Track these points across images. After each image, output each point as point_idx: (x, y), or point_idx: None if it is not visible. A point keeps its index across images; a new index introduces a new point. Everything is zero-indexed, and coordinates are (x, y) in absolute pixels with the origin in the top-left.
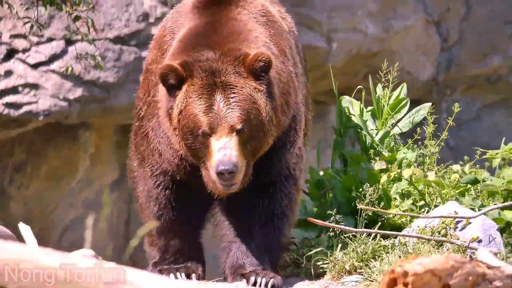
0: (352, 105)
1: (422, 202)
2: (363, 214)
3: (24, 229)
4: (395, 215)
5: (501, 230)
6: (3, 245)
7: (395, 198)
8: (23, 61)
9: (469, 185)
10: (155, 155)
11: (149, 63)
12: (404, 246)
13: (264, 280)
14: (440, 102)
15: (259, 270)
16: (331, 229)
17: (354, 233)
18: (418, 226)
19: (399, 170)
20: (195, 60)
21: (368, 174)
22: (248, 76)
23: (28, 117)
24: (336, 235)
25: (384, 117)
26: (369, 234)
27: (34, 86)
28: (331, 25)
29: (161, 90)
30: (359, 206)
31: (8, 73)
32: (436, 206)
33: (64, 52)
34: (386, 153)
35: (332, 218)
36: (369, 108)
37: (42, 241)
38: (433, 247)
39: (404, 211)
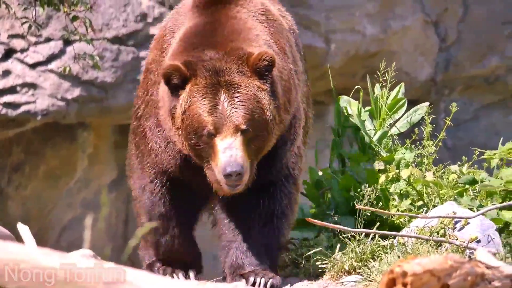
0: (350, 105)
1: (420, 203)
2: (362, 214)
3: (23, 229)
4: (394, 215)
5: (500, 230)
6: (2, 245)
7: (393, 199)
8: (21, 61)
9: (467, 186)
10: (152, 154)
11: (149, 62)
12: (403, 246)
13: (263, 280)
14: (438, 102)
15: (258, 270)
16: (330, 229)
17: (353, 233)
18: (417, 226)
19: (397, 171)
20: (198, 60)
21: (367, 174)
22: (252, 75)
23: (26, 117)
24: (335, 235)
25: (382, 117)
26: (368, 234)
27: (32, 86)
28: (329, 25)
29: (163, 90)
30: (358, 206)
31: (6, 73)
32: (434, 206)
33: (62, 52)
34: (384, 153)
35: (330, 219)
36: (367, 108)
37: (41, 241)
38: (432, 247)
39: (402, 211)
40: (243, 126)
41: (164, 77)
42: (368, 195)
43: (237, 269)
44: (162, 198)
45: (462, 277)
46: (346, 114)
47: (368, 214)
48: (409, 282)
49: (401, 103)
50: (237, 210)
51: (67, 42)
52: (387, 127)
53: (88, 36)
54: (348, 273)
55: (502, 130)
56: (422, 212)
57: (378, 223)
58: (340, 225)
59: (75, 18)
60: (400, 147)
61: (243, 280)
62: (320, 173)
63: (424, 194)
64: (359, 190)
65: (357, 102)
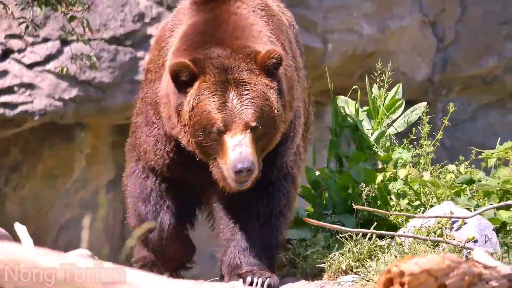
0: (347, 105)
1: (417, 202)
2: (359, 214)
3: (20, 229)
4: (391, 215)
5: (497, 230)
6: (0, 245)
7: (390, 198)
8: (19, 61)
9: (464, 185)
10: (141, 150)
11: (148, 62)
12: (400, 246)
13: (260, 280)
14: (436, 102)
15: (256, 270)
16: (327, 229)
17: (350, 233)
18: (414, 226)
19: (394, 170)
20: (206, 57)
21: (365, 174)
22: (260, 73)
23: (24, 117)
24: (332, 235)
25: (380, 117)
26: (365, 234)
27: (30, 86)
28: (327, 25)
29: (169, 87)
30: (355, 206)
31: (4, 73)
32: (431, 206)
33: (59, 52)
34: (381, 153)
35: (328, 218)
36: (365, 108)
37: (38, 241)
38: (429, 247)
39: (399, 211)
40: (253, 124)
41: (172, 74)
42: (365, 195)
43: (234, 268)
44: (150, 194)
45: (460, 277)
46: (343, 114)
47: (366, 214)
48: (406, 282)
49: (398, 103)
50: (236, 209)
51: (65, 42)
52: (385, 127)
53: (85, 36)
54: (345, 272)
55: (499, 130)
56: (419, 211)
57: (375, 223)
58: (337, 224)
59: (72, 18)
60: (398, 146)
61: (241, 280)
62: (318, 173)
63: (422, 194)
64: (356, 189)
65: (355, 102)
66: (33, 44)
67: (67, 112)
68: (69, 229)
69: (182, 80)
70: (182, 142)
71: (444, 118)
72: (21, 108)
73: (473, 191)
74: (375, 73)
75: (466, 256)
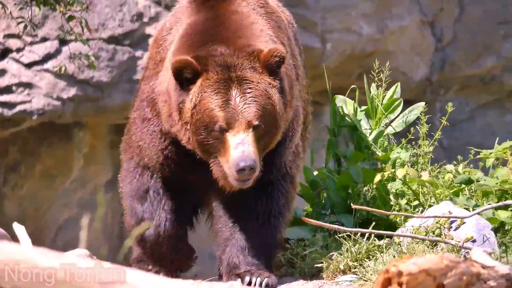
0: (346, 105)
1: (416, 202)
2: (357, 214)
3: (19, 229)
4: (389, 215)
5: (495, 230)
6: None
7: (389, 198)
8: (17, 61)
9: (463, 185)
10: (135, 147)
11: (146, 61)
12: (399, 246)
13: (258, 279)
14: (434, 102)
15: (254, 270)
16: (326, 229)
17: (349, 233)
18: (412, 226)
19: (393, 170)
20: (208, 55)
21: (364, 174)
22: (263, 72)
23: (22, 116)
24: (330, 235)
25: (378, 116)
26: (363, 234)
27: (28, 86)
28: (326, 25)
29: (171, 84)
30: (354, 206)
31: (2, 73)
32: (430, 206)
33: (58, 51)
34: (379, 153)
35: (326, 218)
36: (363, 107)
37: (37, 241)
38: (428, 247)
39: (398, 211)
40: (255, 122)
41: (174, 71)
42: (363, 195)
43: (233, 268)
44: (146, 192)
45: (458, 277)
46: (342, 113)
47: (364, 213)
48: (404, 282)
49: (397, 102)
50: (235, 208)
51: (63, 42)
52: (383, 126)
53: (84, 36)
54: (344, 272)
55: (498, 130)
56: (417, 211)
57: (373, 223)
58: (336, 224)
59: (71, 18)
60: (396, 146)
61: (239, 280)
62: (316, 173)
63: (420, 194)
64: (355, 189)
65: (353, 101)
66: (32, 43)
67: (66, 112)
68: (67, 229)
69: (185, 78)
70: (181, 140)
71: (443, 118)
72: (19, 108)
73: (471, 191)
74: (373, 73)
75: (465, 256)
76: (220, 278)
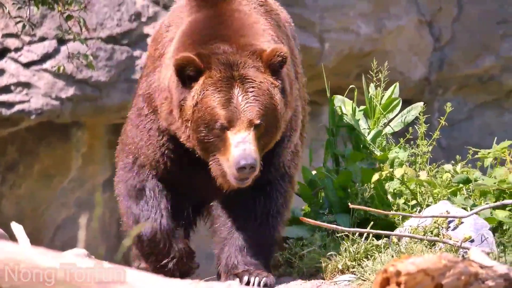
0: (344, 105)
1: (414, 202)
2: (355, 214)
3: (17, 228)
4: (388, 215)
5: (493, 230)
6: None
7: (387, 198)
8: (15, 60)
9: (461, 185)
10: (131, 144)
11: (144, 60)
12: (397, 246)
13: (257, 279)
14: (432, 102)
15: (252, 270)
16: (324, 228)
17: (347, 233)
18: (411, 226)
19: (391, 170)
20: (211, 53)
21: (362, 173)
22: (266, 71)
23: (21, 116)
24: (329, 235)
25: (376, 116)
26: (362, 234)
27: (26, 85)
28: (324, 25)
29: (172, 81)
30: (351, 205)
31: (0, 72)
32: (428, 205)
33: (56, 51)
34: (378, 153)
35: (324, 218)
36: (361, 107)
37: (35, 241)
38: (426, 246)
39: (396, 210)
40: (257, 121)
41: (177, 68)
42: (362, 194)
43: (231, 268)
44: (142, 191)
45: (456, 277)
46: (340, 113)
47: (362, 213)
48: (402, 282)
49: (395, 102)
50: (233, 208)
51: (61, 42)
52: (381, 126)
53: (82, 35)
54: (342, 272)
55: (496, 129)
56: (415, 211)
57: (372, 222)
58: (334, 224)
59: (69, 17)
60: (394, 146)
61: (237, 279)
62: (314, 173)
63: (418, 193)
64: (353, 189)
65: (351, 101)
66: (30, 43)
67: (64, 111)
68: (65, 229)
69: (187, 75)
70: (180, 138)
71: (441, 117)
72: (17, 107)
73: (469, 190)
74: (371, 73)
75: (463, 256)
76: (218, 277)
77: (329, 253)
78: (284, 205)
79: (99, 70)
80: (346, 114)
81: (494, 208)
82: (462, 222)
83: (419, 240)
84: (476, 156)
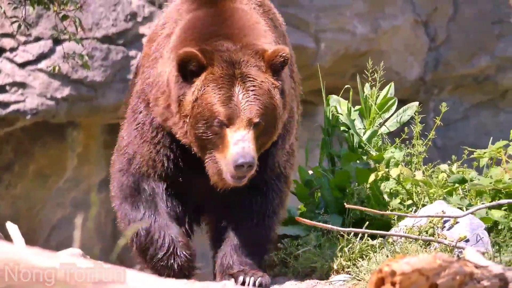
0: (339, 104)
1: (409, 202)
2: (351, 214)
3: (12, 228)
4: (383, 214)
5: (489, 230)
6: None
7: (383, 198)
8: (11, 60)
9: (456, 185)
10: (127, 144)
11: (140, 58)
12: (392, 246)
13: (252, 279)
14: (428, 101)
15: (248, 270)
16: (319, 228)
17: (342, 233)
18: (406, 226)
19: (387, 170)
20: (214, 49)
21: (357, 173)
22: (267, 71)
23: (16, 116)
24: (324, 234)
25: (372, 116)
26: (357, 234)
27: (22, 85)
28: (319, 25)
29: (172, 75)
30: (347, 205)
31: None
32: (423, 205)
33: (51, 51)
34: (373, 152)
35: (320, 217)
36: (357, 107)
37: (30, 241)
38: (421, 246)
39: (391, 210)
40: (256, 120)
41: (179, 63)
42: (357, 194)
43: (226, 268)
44: (136, 190)
45: (451, 277)
46: (335, 113)
47: (358, 213)
48: (397, 281)
49: (390, 102)
50: (229, 208)
51: (57, 41)
52: (377, 126)
53: (78, 35)
54: (337, 272)
55: (491, 129)
56: (411, 211)
57: (367, 222)
58: (329, 224)
59: (65, 17)
60: (390, 146)
61: (233, 279)
62: (311, 172)
63: (414, 193)
64: (349, 189)
65: (347, 101)
66: (25, 43)
67: (59, 111)
68: (61, 229)
69: (189, 70)
70: (177, 134)
71: (436, 117)
72: (13, 107)
73: (465, 190)
74: (367, 73)
75: (458, 256)
76: (214, 277)
77: (324, 253)
78: (280, 205)
79: (95, 70)
80: (341, 114)
81: (490, 208)
82: (457, 222)
83: (414, 240)
84: (472, 156)
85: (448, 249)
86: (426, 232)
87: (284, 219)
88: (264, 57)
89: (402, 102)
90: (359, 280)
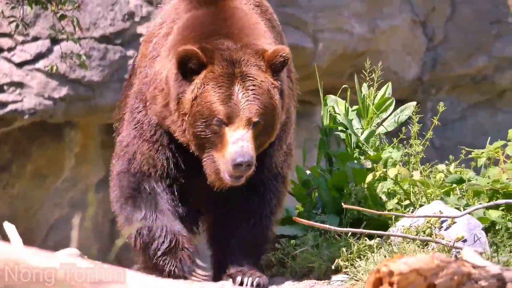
0: (337, 104)
1: (407, 202)
2: (348, 214)
3: (9, 228)
4: (381, 215)
5: (486, 230)
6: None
7: (380, 198)
8: (9, 60)
9: (454, 185)
10: (125, 144)
11: (138, 58)
12: (390, 246)
13: (250, 279)
14: (425, 101)
15: (246, 270)
16: (317, 228)
17: (340, 233)
18: (403, 226)
19: (384, 170)
20: (215, 48)
21: (354, 173)
22: (267, 71)
23: (14, 115)
24: (321, 234)
25: (370, 116)
26: (355, 234)
27: (20, 85)
28: (317, 25)
29: (172, 73)
30: (345, 205)
31: None
32: (421, 205)
33: (49, 51)
34: (371, 152)
35: (317, 217)
36: (355, 107)
37: (27, 241)
38: (418, 246)
39: (389, 210)
40: (255, 119)
41: (179, 61)
42: (355, 194)
43: (224, 268)
44: (134, 191)
45: (449, 277)
46: (333, 113)
47: (355, 213)
48: (395, 282)
49: (388, 102)
50: (226, 209)
51: (55, 41)
52: (375, 126)
53: (75, 35)
54: (335, 272)
55: (489, 129)
56: (408, 211)
57: (365, 222)
58: (326, 224)
59: (62, 17)
60: (388, 146)
61: (230, 280)
62: (308, 172)
63: (411, 193)
64: (346, 189)
65: (345, 101)
66: (23, 42)
67: (57, 111)
68: (58, 229)
69: (189, 68)
70: (175, 133)
71: (434, 117)
72: (10, 107)
73: (462, 190)
74: (365, 72)
75: (456, 256)
76: (212, 277)
77: (322, 253)
78: (277, 205)
79: (92, 69)
80: (339, 114)
81: (487, 208)
82: (455, 222)
83: (411, 240)
84: (470, 156)
85: (445, 249)
86: (424, 232)
87: (282, 219)
88: (264, 56)
89: (400, 102)
90: (357, 280)
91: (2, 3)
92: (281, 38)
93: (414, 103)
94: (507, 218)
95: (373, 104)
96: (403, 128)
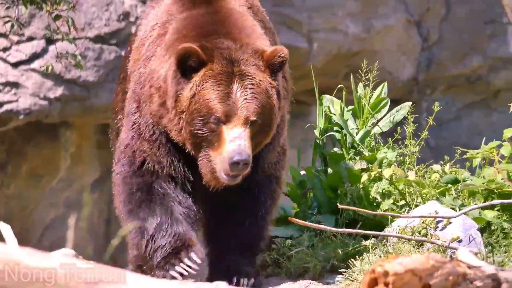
0: (333, 104)
1: (402, 202)
2: (344, 214)
3: (5, 228)
4: (376, 215)
5: (482, 230)
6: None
7: (375, 198)
8: (4, 60)
9: (449, 185)
10: (123, 144)
11: (128, 65)
12: (385, 246)
13: (245, 280)
14: (420, 101)
15: (241, 270)
16: (312, 228)
17: (335, 233)
18: (399, 226)
19: (379, 170)
20: (214, 47)
21: (349, 174)
22: (266, 71)
23: (9, 116)
24: (317, 235)
25: (365, 116)
26: (350, 234)
27: (15, 85)
28: (312, 25)
29: (171, 71)
30: (340, 206)
31: None
32: (416, 205)
33: (44, 51)
34: (366, 153)
35: (313, 218)
36: (350, 107)
37: (23, 241)
38: (414, 247)
39: (384, 210)
40: (253, 118)
41: (178, 58)
42: (350, 195)
43: (219, 268)
44: (137, 191)
45: (444, 277)
46: (328, 113)
47: (351, 213)
48: (390, 282)
49: (383, 102)
50: (222, 209)
51: (50, 41)
52: (370, 126)
53: (70, 35)
54: (330, 272)
55: (484, 129)
56: (404, 211)
57: (360, 223)
58: (322, 224)
59: (57, 17)
60: (383, 146)
61: (226, 280)
62: (303, 172)
63: (406, 194)
64: (341, 189)
65: (340, 101)
66: (18, 43)
67: (52, 111)
68: (54, 229)
69: (189, 66)
70: (171, 132)
71: (429, 117)
72: (6, 107)
73: (458, 190)
74: (360, 72)
75: (451, 256)
76: (207, 277)
77: (317, 254)
78: (272, 206)
79: (88, 70)
80: (334, 114)
81: (483, 208)
82: (450, 222)
83: (407, 241)
84: (465, 156)
85: (441, 249)
86: (419, 232)
87: (278, 219)
88: (263, 56)
89: (395, 102)
90: (352, 281)
91: None
92: (274, 38)
93: (409, 103)
94: (503, 218)
95: (368, 104)
96: (398, 128)
